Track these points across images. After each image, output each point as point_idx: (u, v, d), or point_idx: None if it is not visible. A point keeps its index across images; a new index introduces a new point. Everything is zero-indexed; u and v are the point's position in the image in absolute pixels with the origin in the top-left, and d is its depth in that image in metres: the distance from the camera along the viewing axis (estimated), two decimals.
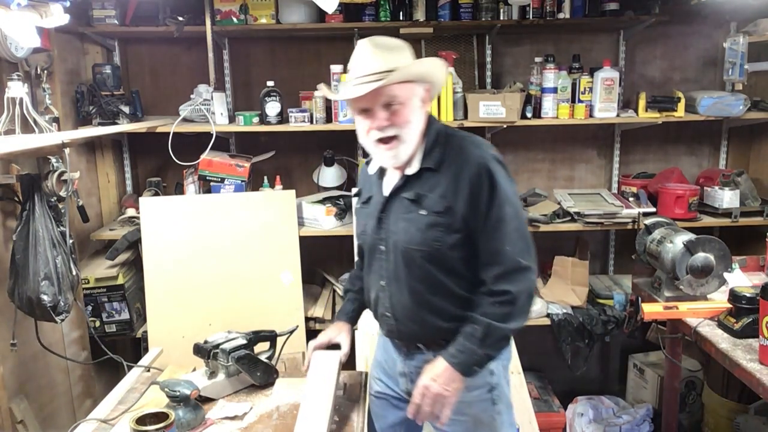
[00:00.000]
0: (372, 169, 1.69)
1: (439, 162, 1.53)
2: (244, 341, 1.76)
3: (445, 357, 1.48)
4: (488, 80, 3.21)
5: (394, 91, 1.46)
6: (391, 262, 1.59)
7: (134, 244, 2.87)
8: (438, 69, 1.56)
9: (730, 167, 3.30)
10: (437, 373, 1.47)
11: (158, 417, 1.38)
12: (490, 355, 1.51)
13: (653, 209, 3.01)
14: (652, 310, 2.23)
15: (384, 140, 1.50)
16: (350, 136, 3.20)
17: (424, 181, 1.53)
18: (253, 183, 3.10)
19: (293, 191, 2.91)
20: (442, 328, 1.56)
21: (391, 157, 1.52)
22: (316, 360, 1.68)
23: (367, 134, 1.53)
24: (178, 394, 1.53)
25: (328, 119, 2.95)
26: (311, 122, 2.93)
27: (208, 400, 1.69)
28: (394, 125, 1.48)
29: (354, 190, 1.90)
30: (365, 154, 3.25)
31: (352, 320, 1.80)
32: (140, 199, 2.82)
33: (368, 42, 1.49)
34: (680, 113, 2.95)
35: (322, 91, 1.74)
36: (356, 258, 1.90)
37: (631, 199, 3.13)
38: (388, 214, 1.59)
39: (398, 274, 1.57)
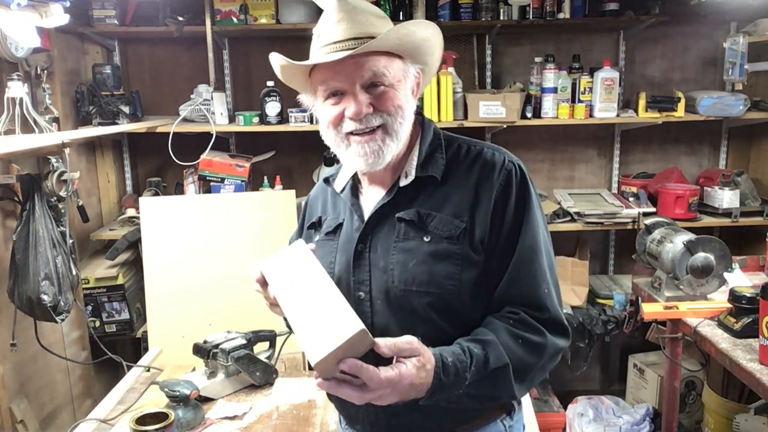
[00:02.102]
0: (339, 185, 1.24)
1: (446, 169, 1.13)
2: (244, 341, 1.76)
3: (436, 371, 0.96)
4: (488, 80, 3.21)
5: (381, 66, 1.06)
6: (379, 315, 1.11)
7: (134, 244, 2.86)
8: (436, 42, 1.14)
9: (730, 167, 3.30)
10: (421, 382, 0.95)
11: (158, 417, 1.38)
12: (461, 398, 1.01)
13: (653, 209, 3.01)
14: (652, 310, 2.23)
15: (362, 132, 1.08)
16: None
17: (426, 195, 1.12)
18: (253, 183, 3.10)
19: (293, 191, 2.91)
20: (453, 411, 1.10)
21: (372, 153, 1.08)
22: (275, 261, 1.16)
23: (334, 126, 1.10)
24: (177, 394, 1.53)
25: None
26: (311, 122, 2.93)
27: (207, 399, 1.69)
28: (381, 111, 1.07)
29: (304, 217, 1.37)
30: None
31: None
32: (140, 199, 2.81)
33: (342, 0, 1.09)
34: (680, 113, 2.95)
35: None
36: None
37: (631, 199, 3.13)
38: (372, 245, 1.13)
39: (390, 332, 1.04)
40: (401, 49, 1.10)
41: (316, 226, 1.28)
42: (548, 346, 1.07)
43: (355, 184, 1.23)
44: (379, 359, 0.94)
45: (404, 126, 1.11)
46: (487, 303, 1.10)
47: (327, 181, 1.30)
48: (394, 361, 0.94)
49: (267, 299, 1.22)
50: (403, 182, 1.14)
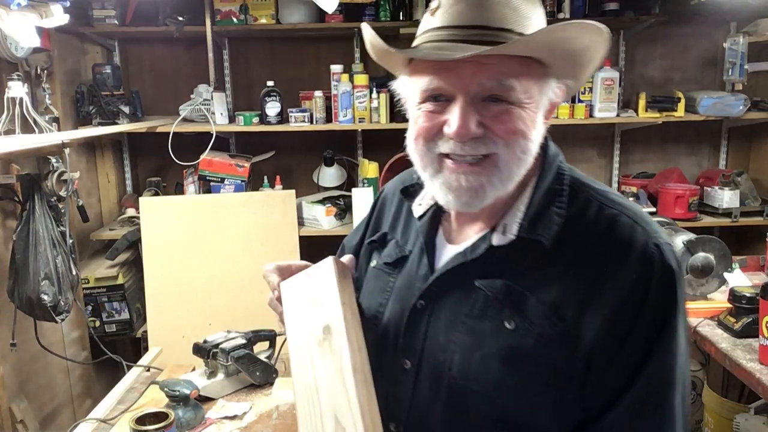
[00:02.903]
0: (419, 209, 0.93)
1: (560, 234, 0.80)
2: (244, 341, 1.76)
3: None
4: None
5: (511, 75, 0.76)
6: (422, 399, 0.84)
7: (134, 244, 2.87)
8: (599, 52, 0.83)
9: (730, 167, 3.29)
10: None
11: (158, 417, 1.38)
12: None
13: (653, 209, 3.00)
14: None
15: (462, 160, 0.78)
16: (350, 135, 3.22)
17: (525, 266, 0.80)
18: (253, 183, 3.10)
19: (293, 191, 2.91)
20: None
21: (468, 191, 0.78)
22: (297, 287, 0.92)
23: (425, 140, 0.80)
24: (177, 393, 1.53)
25: (328, 119, 2.95)
26: (311, 122, 2.93)
27: (207, 399, 1.69)
28: (495, 136, 0.77)
29: (370, 216, 1.07)
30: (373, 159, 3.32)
31: None
32: (140, 199, 2.82)
33: None
34: (680, 113, 2.95)
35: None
36: None
37: (631, 199, 3.13)
38: (436, 308, 0.85)
39: (428, 424, 0.83)
40: (548, 57, 0.79)
41: (377, 246, 0.98)
42: None
43: (438, 211, 0.91)
44: None
45: (523, 162, 0.80)
46: (574, 427, 0.79)
47: (406, 193, 0.96)
48: None
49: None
50: (497, 240, 0.82)
